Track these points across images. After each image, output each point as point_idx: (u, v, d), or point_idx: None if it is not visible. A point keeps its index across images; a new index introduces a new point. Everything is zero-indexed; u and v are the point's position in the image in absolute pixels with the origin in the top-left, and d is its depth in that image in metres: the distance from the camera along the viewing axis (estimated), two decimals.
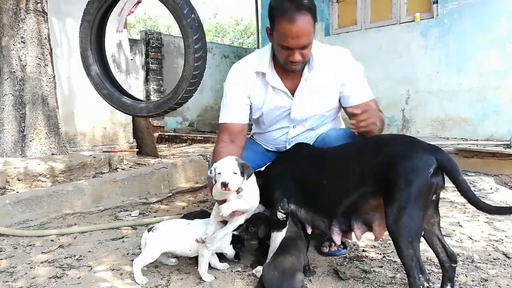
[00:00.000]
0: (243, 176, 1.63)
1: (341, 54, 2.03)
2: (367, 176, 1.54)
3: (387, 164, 1.47)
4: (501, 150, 4.05)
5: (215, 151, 2.00)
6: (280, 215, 1.79)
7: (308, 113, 2.06)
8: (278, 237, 1.79)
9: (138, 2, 2.73)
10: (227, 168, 1.63)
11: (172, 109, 2.73)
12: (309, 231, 1.85)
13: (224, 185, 1.57)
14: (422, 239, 1.50)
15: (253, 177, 1.75)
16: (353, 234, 1.74)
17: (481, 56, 5.36)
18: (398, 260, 1.95)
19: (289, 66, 1.92)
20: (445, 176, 1.46)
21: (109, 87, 2.93)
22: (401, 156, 1.46)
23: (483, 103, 5.38)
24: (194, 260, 1.98)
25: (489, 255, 2.04)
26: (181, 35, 2.55)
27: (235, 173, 1.61)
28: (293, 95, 2.03)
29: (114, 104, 2.94)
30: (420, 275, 1.37)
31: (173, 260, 1.95)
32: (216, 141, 2.09)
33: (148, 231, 1.84)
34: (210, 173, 1.70)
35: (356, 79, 2.00)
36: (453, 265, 1.56)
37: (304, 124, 2.10)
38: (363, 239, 2.23)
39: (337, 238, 1.72)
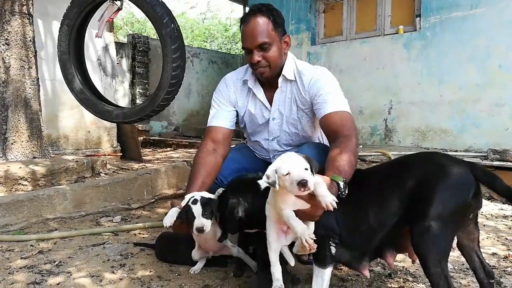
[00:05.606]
0: (312, 172, 1.34)
1: (316, 69, 2.06)
2: (400, 205, 1.46)
3: (420, 186, 1.42)
4: (478, 162, 4.16)
5: (195, 160, 2.01)
6: (333, 249, 1.52)
7: (284, 127, 2.10)
8: (326, 274, 1.52)
9: (119, 9, 2.77)
10: (298, 164, 1.32)
11: (148, 116, 2.76)
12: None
13: (303, 184, 1.26)
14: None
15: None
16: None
17: (461, 69, 5.51)
18: (375, 269, 2.01)
19: (256, 72, 2.01)
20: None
21: (87, 92, 2.93)
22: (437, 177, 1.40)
23: (462, 115, 5.53)
24: (175, 267, 2.00)
25: (463, 264, 2.10)
26: None
27: (306, 169, 1.31)
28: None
29: (90, 109, 2.94)
30: None
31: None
32: (199, 147, 2.10)
33: None
34: (268, 178, 1.35)
35: (329, 89, 1.94)
36: (491, 281, 1.55)
37: (278, 140, 2.14)
38: None
39: (366, 272, 1.56)
